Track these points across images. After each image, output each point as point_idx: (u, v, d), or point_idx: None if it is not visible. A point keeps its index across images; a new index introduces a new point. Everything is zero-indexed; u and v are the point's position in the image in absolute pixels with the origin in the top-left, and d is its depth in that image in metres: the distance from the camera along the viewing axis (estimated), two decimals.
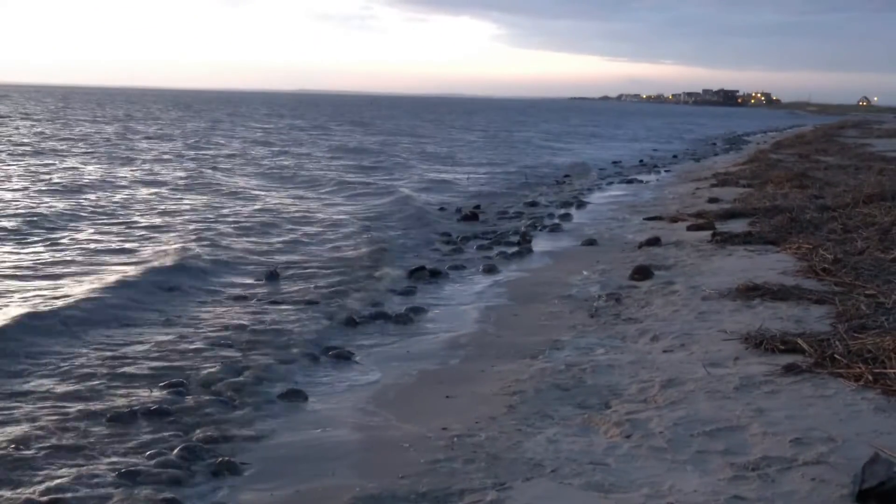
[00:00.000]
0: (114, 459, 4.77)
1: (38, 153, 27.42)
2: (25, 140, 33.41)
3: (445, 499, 4.21)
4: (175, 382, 6.06)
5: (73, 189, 17.93)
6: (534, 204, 17.61)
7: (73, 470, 4.61)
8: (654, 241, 11.56)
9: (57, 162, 24.54)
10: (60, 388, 5.93)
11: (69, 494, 4.34)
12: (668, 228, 13.14)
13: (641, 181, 23.27)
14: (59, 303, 8.10)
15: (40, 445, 4.94)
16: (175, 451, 4.84)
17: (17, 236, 11.97)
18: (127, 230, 12.95)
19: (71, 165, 23.67)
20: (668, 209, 15.64)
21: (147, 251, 11.26)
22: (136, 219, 14.13)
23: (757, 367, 5.93)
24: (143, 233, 12.84)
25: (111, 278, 9.42)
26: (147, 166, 24.19)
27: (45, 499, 4.28)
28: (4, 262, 10.18)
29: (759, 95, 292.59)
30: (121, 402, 5.71)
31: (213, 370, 6.37)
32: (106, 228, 13.06)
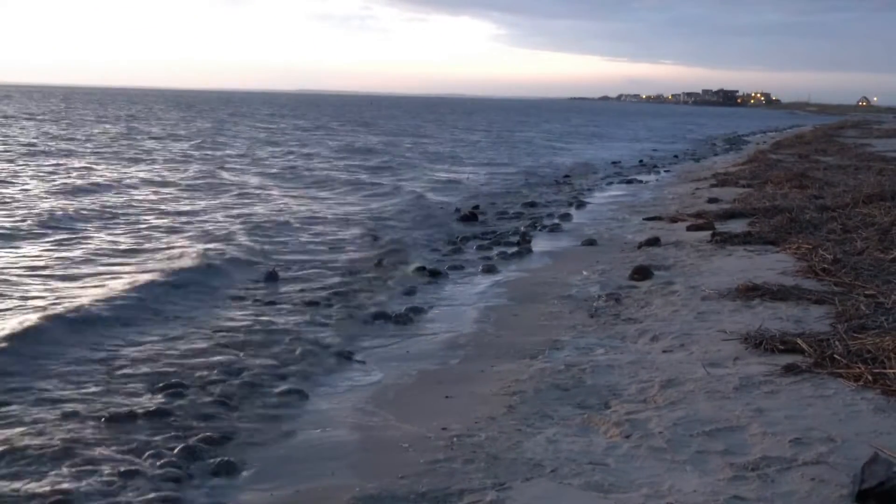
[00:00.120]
0: (114, 460, 4.76)
1: (46, 153, 27.45)
2: (33, 140, 33.41)
3: (445, 499, 4.21)
4: (174, 383, 6.05)
5: (82, 190, 17.90)
6: (533, 204, 17.61)
7: (73, 470, 4.61)
8: (654, 242, 11.56)
9: (65, 162, 24.57)
10: (60, 389, 5.93)
11: (69, 495, 4.34)
12: (668, 228, 13.15)
13: (641, 181, 23.27)
14: (61, 304, 8.10)
15: (40, 446, 4.94)
16: (175, 451, 4.85)
17: (23, 237, 11.93)
18: (135, 231, 12.90)
19: (79, 166, 23.68)
20: (667, 209, 15.65)
21: (153, 252, 11.24)
22: (144, 220, 14.10)
23: (756, 368, 5.93)
24: (150, 233, 12.80)
25: (115, 279, 9.43)
26: (156, 167, 24.24)
27: (46, 500, 4.28)
28: (8, 262, 10.16)
29: (758, 95, 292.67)
30: (120, 402, 5.70)
31: (212, 370, 6.38)
32: (114, 229, 13.00)
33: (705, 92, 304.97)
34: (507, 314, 8.26)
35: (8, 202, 15.55)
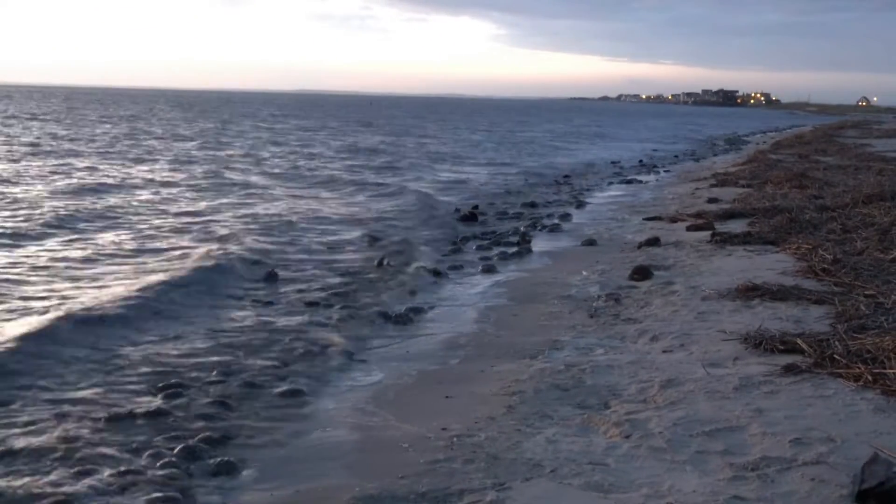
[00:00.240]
0: (113, 460, 4.77)
1: (50, 153, 27.49)
2: (37, 140, 33.44)
3: (445, 499, 4.21)
4: (174, 383, 6.05)
5: (87, 190, 17.92)
6: (533, 204, 17.61)
7: (73, 470, 4.61)
8: (654, 242, 11.56)
9: (69, 162, 24.60)
10: (60, 388, 5.93)
11: (69, 495, 4.34)
12: (668, 229, 13.15)
13: (641, 181, 23.28)
14: (61, 305, 8.11)
15: (40, 445, 4.94)
16: (175, 451, 4.85)
17: (26, 237, 11.90)
18: (138, 232, 12.87)
19: (84, 166, 23.72)
20: (667, 209, 15.65)
21: (156, 253, 11.23)
22: (147, 220, 14.08)
23: (756, 368, 5.93)
24: (154, 233, 12.80)
25: (116, 279, 9.44)
26: (160, 166, 24.31)
27: (45, 500, 4.29)
28: (11, 262, 10.16)
29: (758, 95, 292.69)
30: (120, 402, 5.70)
31: (212, 370, 6.38)
32: (117, 230, 12.97)
33: (705, 92, 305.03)
34: (506, 314, 8.26)
35: (13, 202, 15.55)
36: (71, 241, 11.86)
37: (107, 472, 4.58)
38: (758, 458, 4.44)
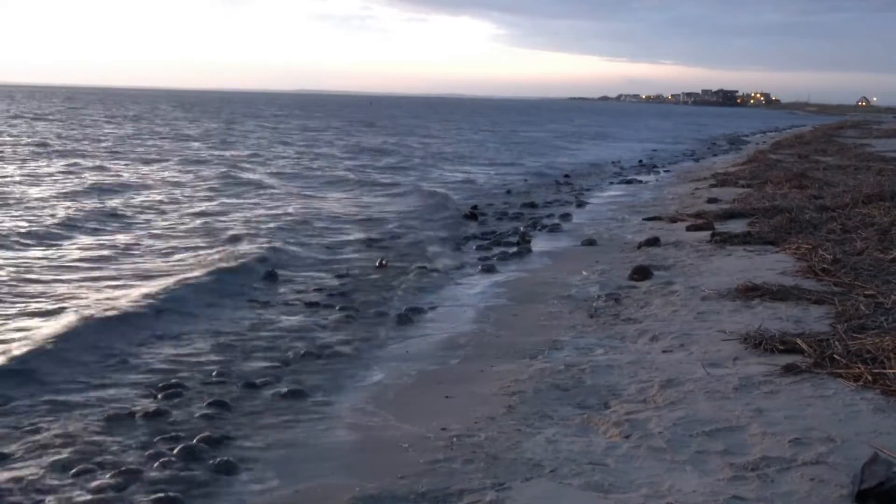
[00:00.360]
0: (113, 460, 4.77)
1: (61, 154, 27.55)
2: (49, 141, 33.44)
3: (445, 499, 4.21)
4: (174, 383, 6.05)
5: (99, 190, 17.98)
6: (533, 204, 17.62)
7: (72, 470, 4.61)
8: (654, 242, 11.56)
9: (79, 162, 24.65)
10: (59, 388, 5.93)
11: (68, 495, 4.35)
12: (668, 229, 13.15)
13: (641, 181, 23.29)
14: (61, 305, 8.11)
15: (39, 445, 4.94)
16: (175, 451, 4.85)
17: (30, 238, 11.88)
18: (141, 233, 12.86)
19: (96, 166, 23.79)
20: (667, 209, 15.65)
21: (161, 253, 11.25)
22: (160, 222, 14.12)
23: (756, 368, 5.93)
24: (159, 234, 12.83)
25: (118, 279, 9.44)
26: (172, 167, 24.39)
27: (45, 500, 4.29)
28: (12, 265, 10.16)
29: (758, 95, 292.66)
30: (120, 402, 5.71)
31: (212, 370, 6.39)
32: (122, 232, 12.95)
33: (705, 92, 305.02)
34: (506, 314, 8.26)
35: (25, 203, 15.56)
36: (77, 242, 11.83)
37: (107, 473, 4.58)
38: (758, 458, 4.45)
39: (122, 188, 18.63)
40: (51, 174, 21.13)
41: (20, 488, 4.40)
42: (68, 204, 15.49)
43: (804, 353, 6.06)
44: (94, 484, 4.47)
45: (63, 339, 7.03)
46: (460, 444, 4.88)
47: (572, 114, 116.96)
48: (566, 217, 15.49)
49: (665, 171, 26.83)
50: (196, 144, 34.73)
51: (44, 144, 31.17)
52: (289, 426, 5.37)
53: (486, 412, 5.40)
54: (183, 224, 13.89)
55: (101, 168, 23.16)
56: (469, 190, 20.79)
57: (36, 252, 11.00)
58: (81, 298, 8.47)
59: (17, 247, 11.24)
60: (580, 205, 17.71)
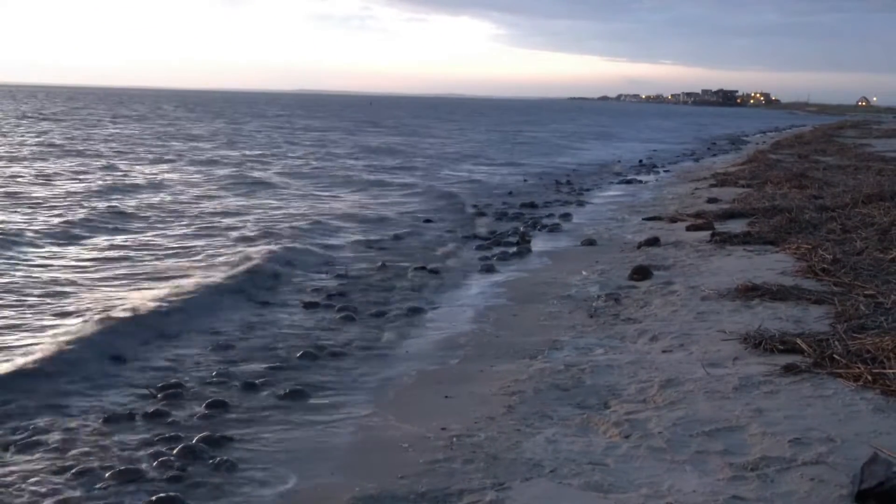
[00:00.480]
0: (113, 460, 4.77)
1: (72, 154, 27.60)
2: (58, 141, 33.44)
3: (444, 499, 4.21)
4: (174, 383, 6.06)
5: (111, 190, 18.02)
6: (533, 204, 17.62)
7: (72, 471, 4.61)
8: (654, 242, 11.56)
9: (92, 162, 24.70)
10: (59, 388, 5.93)
11: (68, 495, 4.35)
12: (667, 228, 13.15)
13: (641, 181, 23.29)
14: (63, 308, 8.12)
15: (38, 446, 4.95)
16: (175, 451, 4.85)
17: (36, 240, 11.86)
18: (145, 234, 12.85)
19: (107, 165, 23.84)
20: (667, 209, 15.65)
21: (179, 255, 11.24)
22: (174, 222, 14.13)
23: (756, 368, 5.93)
24: (166, 234, 12.86)
25: (120, 280, 9.43)
26: (184, 167, 24.47)
27: (45, 500, 4.29)
28: (20, 267, 10.17)
29: (758, 95, 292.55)
30: (120, 402, 5.72)
31: (212, 370, 6.39)
32: (127, 233, 12.93)
33: (705, 92, 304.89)
34: (506, 314, 8.26)
35: (38, 203, 15.56)
36: (81, 243, 11.82)
37: (107, 473, 4.58)
38: (757, 458, 4.45)
39: (132, 188, 18.65)
40: (62, 174, 21.21)
41: (20, 488, 4.40)
42: (78, 204, 15.50)
43: (804, 353, 6.06)
44: (94, 484, 4.47)
45: (63, 340, 7.04)
46: (460, 444, 4.88)
47: (573, 114, 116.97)
48: (566, 217, 15.49)
49: (665, 171, 26.82)
50: (204, 144, 34.81)
51: (53, 144, 31.20)
52: (289, 426, 5.37)
53: (486, 412, 5.40)
54: (195, 224, 13.90)
55: (111, 168, 23.22)
56: (471, 190, 20.78)
57: (39, 252, 11.00)
58: (82, 299, 8.47)
59: (22, 247, 11.24)
60: (580, 205, 17.71)
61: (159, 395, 5.82)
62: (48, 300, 8.39)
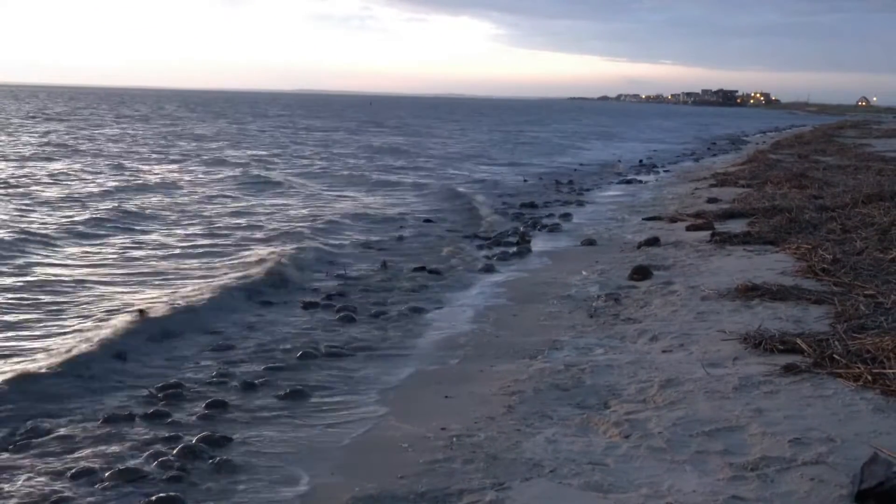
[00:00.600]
0: (113, 460, 4.77)
1: (80, 153, 27.64)
2: (67, 142, 33.46)
3: (444, 499, 4.21)
4: (174, 383, 6.06)
5: (121, 190, 18.06)
6: (533, 204, 17.63)
7: (72, 471, 4.61)
8: (653, 242, 11.56)
9: (101, 162, 24.74)
10: (58, 388, 5.93)
11: (68, 495, 4.35)
12: (667, 228, 13.15)
13: (641, 181, 23.29)
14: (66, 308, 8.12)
15: (38, 446, 4.95)
16: (175, 451, 4.85)
17: (41, 242, 11.84)
18: (147, 235, 12.86)
19: (116, 165, 23.89)
20: (667, 209, 15.65)
21: (191, 257, 11.25)
22: (182, 220, 14.18)
23: (756, 368, 5.93)
24: (171, 233, 12.90)
25: (122, 280, 9.43)
26: (193, 167, 24.55)
27: (45, 500, 4.29)
28: (23, 266, 10.17)
29: (758, 95, 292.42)
30: (119, 402, 5.72)
31: (212, 370, 6.39)
32: (130, 234, 12.92)
33: (705, 92, 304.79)
34: (506, 314, 8.26)
35: (49, 203, 15.59)
36: (85, 244, 11.83)
37: (106, 473, 4.58)
38: (757, 458, 4.45)
39: (141, 188, 18.72)
40: (72, 173, 21.26)
41: (20, 489, 4.40)
42: (85, 204, 15.55)
43: (804, 353, 6.06)
44: (94, 483, 4.47)
45: (67, 340, 7.05)
46: (460, 444, 4.88)
47: (574, 114, 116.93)
48: (566, 217, 15.49)
49: (665, 171, 26.83)
50: (210, 144, 34.86)
51: (62, 145, 31.20)
52: (288, 426, 5.37)
53: (486, 412, 5.40)
54: (202, 224, 13.93)
55: (120, 168, 23.28)
56: (473, 190, 20.78)
57: (44, 252, 11.02)
58: (86, 299, 8.48)
59: (29, 245, 11.26)
60: (580, 204, 17.71)
61: (159, 396, 5.82)
62: (52, 300, 8.39)
